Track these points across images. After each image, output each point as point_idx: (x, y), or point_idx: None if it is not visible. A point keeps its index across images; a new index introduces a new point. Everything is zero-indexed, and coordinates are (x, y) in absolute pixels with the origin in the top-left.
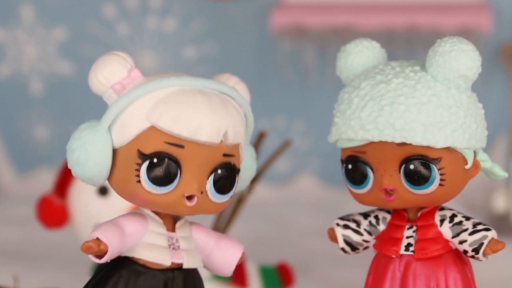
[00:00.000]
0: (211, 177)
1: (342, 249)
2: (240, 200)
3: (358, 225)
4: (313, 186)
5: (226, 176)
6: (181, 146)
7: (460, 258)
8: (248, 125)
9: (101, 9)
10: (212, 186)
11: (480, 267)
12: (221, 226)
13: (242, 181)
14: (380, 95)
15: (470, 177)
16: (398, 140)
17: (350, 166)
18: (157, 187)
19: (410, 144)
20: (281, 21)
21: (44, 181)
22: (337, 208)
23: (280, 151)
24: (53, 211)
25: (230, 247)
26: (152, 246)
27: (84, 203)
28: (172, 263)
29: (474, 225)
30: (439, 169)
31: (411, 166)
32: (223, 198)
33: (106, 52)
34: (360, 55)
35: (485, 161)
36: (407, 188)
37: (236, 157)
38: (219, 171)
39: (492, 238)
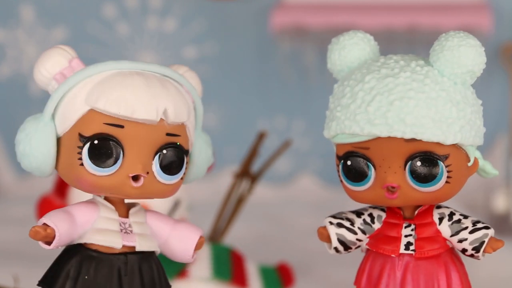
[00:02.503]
0: (157, 157)
1: (335, 248)
2: (240, 200)
3: (352, 223)
4: (313, 186)
5: (172, 156)
6: (121, 126)
7: (457, 257)
8: (198, 112)
9: (101, 9)
10: (158, 166)
11: (480, 266)
12: (221, 226)
13: (197, 168)
14: (388, 89)
15: (470, 174)
16: (408, 136)
17: (349, 163)
18: (100, 169)
19: (418, 141)
20: (281, 21)
21: (44, 181)
22: (337, 208)
23: (280, 151)
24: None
25: (187, 232)
26: (103, 230)
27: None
28: (124, 246)
29: (474, 223)
30: (446, 166)
31: (418, 163)
32: (172, 179)
33: (106, 52)
34: (356, 47)
35: (479, 158)
36: (412, 185)
37: (182, 137)
38: (165, 151)
39: (492, 237)
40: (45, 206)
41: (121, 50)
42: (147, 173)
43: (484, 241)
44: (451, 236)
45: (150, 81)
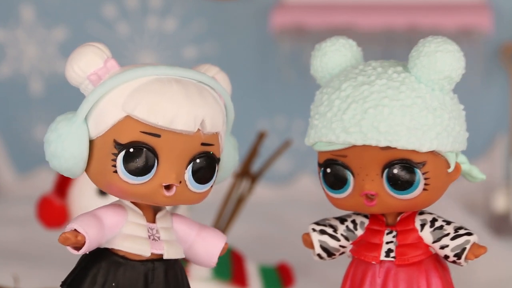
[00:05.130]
0: (190, 167)
1: (318, 255)
2: (240, 200)
3: (335, 230)
4: (313, 186)
5: (205, 166)
6: (158, 135)
7: (440, 263)
8: (228, 115)
9: (101, 9)
10: (191, 176)
11: (480, 266)
12: (222, 226)
13: (223, 172)
14: (363, 97)
15: (452, 180)
16: (382, 144)
17: (328, 170)
18: (134, 177)
19: (394, 148)
20: (281, 21)
21: (44, 181)
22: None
23: (280, 151)
24: (53, 211)
25: (212, 238)
26: (131, 237)
27: (84, 203)
28: (152, 254)
29: (456, 230)
30: (423, 173)
31: (395, 171)
32: (203, 188)
33: None
34: (337, 53)
35: (464, 163)
36: (389, 193)
37: (215, 146)
38: (198, 161)
39: (474, 243)
40: (45, 206)
41: (121, 50)
42: (180, 182)
43: (465, 248)
44: (433, 242)
45: (189, 90)
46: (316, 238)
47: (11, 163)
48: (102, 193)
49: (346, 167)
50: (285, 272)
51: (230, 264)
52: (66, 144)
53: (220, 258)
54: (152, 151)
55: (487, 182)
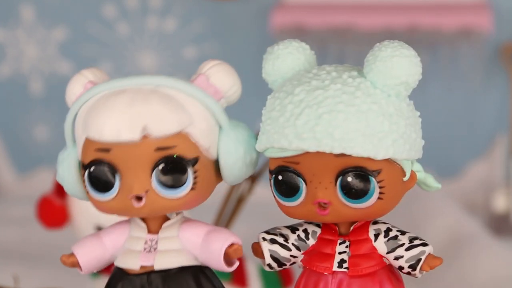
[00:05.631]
0: (154, 174)
1: (269, 265)
2: (240, 200)
3: (286, 239)
4: None
5: (170, 169)
6: (107, 150)
7: (394, 274)
8: (214, 111)
9: (101, 9)
10: (157, 182)
11: (480, 266)
12: (222, 226)
13: (229, 169)
14: (317, 102)
15: (407, 189)
16: (336, 150)
17: (280, 177)
18: (101, 194)
19: (348, 155)
20: (281, 21)
21: (44, 181)
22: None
23: None
24: (53, 211)
25: (213, 244)
26: (127, 252)
27: (84, 203)
28: (142, 267)
29: (411, 240)
30: (378, 182)
31: (349, 179)
32: (178, 193)
33: (106, 52)
34: (290, 57)
35: (419, 171)
36: (343, 201)
37: (182, 147)
38: (161, 166)
39: (429, 254)
40: (45, 206)
41: (121, 50)
42: (147, 191)
43: (420, 259)
44: (387, 253)
45: (133, 98)
46: (266, 247)
47: (11, 163)
48: None
49: (299, 175)
50: (285, 272)
51: None
52: (61, 170)
53: None
54: (110, 166)
55: (487, 182)
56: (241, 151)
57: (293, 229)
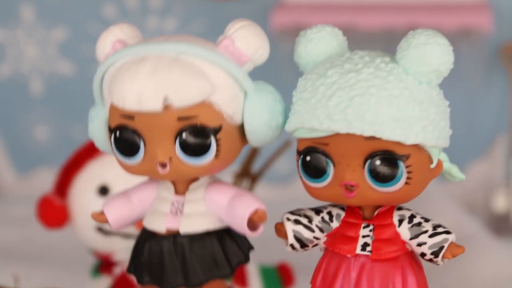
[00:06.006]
0: (177, 142)
1: (291, 245)
2: None
3: (310, 221)
4: None
5: (192, 138)
6: (131, 118)
7: (415, 261)
8: (237, 77)
9: (101, 9)
10: (181, 150)
11: (480, 266)
12: None
13: (255, 133)
14: (350, 84)
15: (433, 177)
16: (367, 133)
17: (308, 158)
18: (126, 158)
19: (378, 139)
20: (282, 21)
21: (44, 181)
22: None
23: (280, 151)
24: (53, 211)
25: (239, 208)
26: (154, 213)
27: (84, 203)
28: (168, 229)
29: (434, 227)
30: (406, 167)
31: (377, 162)
32: (202, 160)
33: None
34: (323, 41)
35: (445, 161)
36: (370, 184)
37: (204, 115)
38: (184, 135)
39: (452, 242)
40: (45, 206)
41: None
42: (170, 158)
43: (443, 246)
44: (410, 239)
45: (154, 67)
46: (290, 227)
47: (11, 163)
48: (102, 193)
49: (327, 156)
50: (285, 272)
51: None
52: (91, 127)
53: None
54: (135, 133)
55: (487, 182)
56: (266, 116)
57: (318, 211)
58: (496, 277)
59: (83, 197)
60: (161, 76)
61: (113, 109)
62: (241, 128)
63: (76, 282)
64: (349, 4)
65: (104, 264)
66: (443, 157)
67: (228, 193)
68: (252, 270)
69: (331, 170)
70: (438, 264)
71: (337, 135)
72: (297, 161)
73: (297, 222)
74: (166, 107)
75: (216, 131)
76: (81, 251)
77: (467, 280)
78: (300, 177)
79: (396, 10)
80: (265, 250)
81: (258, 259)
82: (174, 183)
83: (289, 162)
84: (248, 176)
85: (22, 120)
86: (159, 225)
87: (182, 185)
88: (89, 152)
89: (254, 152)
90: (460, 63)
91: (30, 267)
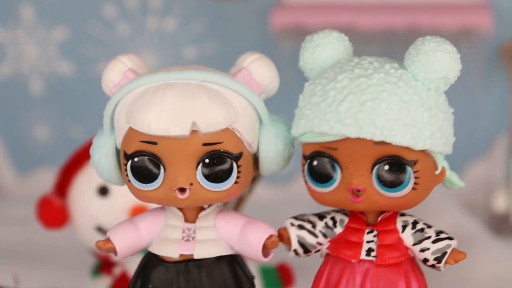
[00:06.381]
0: (200, 167)
1: (295, 250)
2: (240, 200)
3: (314, 226)
4: None
5: (215, 164)
6: (154, 143)
7: (417, 267)
8: (257, 106)
9: (101, 9)
10: (202, 176)
11: (480, 266)
12: None
13: (268, 163)
14: (361, 89)
15: (436, 183)
16: (377, 138)
17: (315, 163)
18: (144, 184)
19: (387, 144)
20: (282, 21)
21: (44, 181)
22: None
23: None
24: (53, 211)
25: (252, 235)
26: (164, 239)
27: (84, 203)
28: (181, 255)
29: (437, 233)
30: (414, 172)
31: (386, 167)
32: (222, 186)
33: (106, 52)
34: (330, 46)
35: (446, 168)
36: (378, 189)
37: (228, 143)
38: (207, 161)
39: (454, 248)
40: (45, 206)
41: (121, 50)
42: (191, 184)
43: (446, 252)
44: (414, 244)
45: (181, 93)
46: (294, 233)
47: (11, 163)
48: (101, 193)
49: (335, 160)
50: (285, 272)
51: None
52: (97, 156)
53: None
54: (156, 158)
55: (487, 182)
56: (281, 145)
57: (321, 216)
58: (496, 277)
59: (83, 197)
60: (189, 101)
61: (132, 134)
62: (255, 157)
63: (76, 282)
64: (349, 4)
65: (104, 264)
66: (445, 164)
67: (239, 220)
68: (252, 270)
69: (338, 175)
70: (440, 270)
71: (346, 139)
72: (303, 165)
73: (301, 227)
74: (193, 132)
75: (238, 157)
76: (81, 251)
77: (467, 280)
78: (306, 181)
79: (396, 10)
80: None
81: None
82: (183, 210)
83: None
84: None
85: (22, 120)
86: (172, 251)
87: (191, 213)
88: (89, 152)
89: None
90: (460, 63)
91: (30, 267)
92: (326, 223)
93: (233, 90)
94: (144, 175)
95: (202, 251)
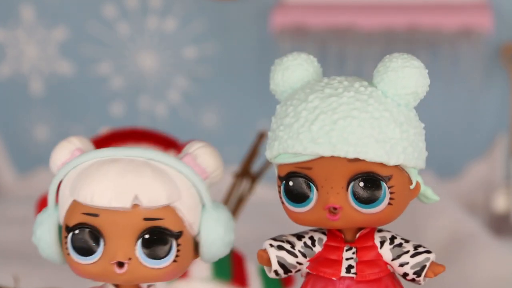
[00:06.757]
0: (139, 242)
1: (275, 271)
2: (240, 200)
3: (293, 246)
4: None
5: (154, 240)
6: (95, 215)
7: (397, 282)
8: (199, 189)
9: (101, 9)
10: (141, 252)
11: (480, 266)
12: None
13: (208, 247)
14: (332, 108)
15: (412, 198)
16: (351, 155)
17: (291, 183)
18: (83, 257)
19: (361, 161)
20: (282, 21)
21: (44, 181)
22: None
23: None
24: None
25: None
26: None
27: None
28: None
29: (415, 247)
30: (389, 187)
31: (361, 184)
32: (161, 263)
33: (106, 52)
34: (300, 68)
35: (420, 183)
36: (354, 206)
37: (168, 220)
38: (147, 236)
39: (433, 261)
40: (45, 206)
41: (121, 50)
42: (130, 259)
43: (425, 265)
44: (393, 260)
45: (126, 168)
46: (273, 253)
47: (11, 163)
48: None
49: (310, 180)
50: None
51: (231, 264)
52: (39, 232)
53: (220, 258)
54: (95, 231)
55: (487, 182)
56: (221, 231)
57: (299, 236)
58: (496, 277)
59: None
60: (132, 176)
61: (74, 206)
62: (195, 242)
63: (76, 282)
64: (349, 4)
65: None
66: (419, 179)
67: None
68: (252, 270)
69: (314, 194)
70: (420, 284)
71: (320, 158)
72: (279, 186)
73: (280, 248)
74: (134, 206)
75: (178, 236)
76: None
77: (467, 280)
78: (282, 202)
79: (396, 10)
80: None
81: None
82: None
83: None
84: (248, 176)
85: (22, 120)
86: None
87: None
88: None
89: (254, 152)
90: (460, 63)
91: (30, 267)
92: (305, 242)
93: (178, 170)
94: (84, 247)
95: None
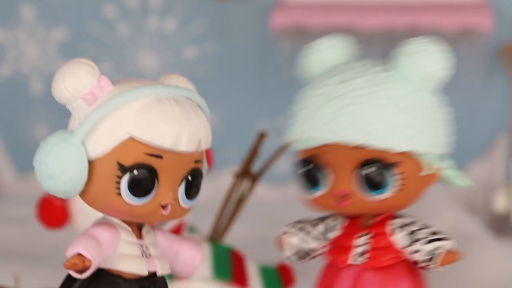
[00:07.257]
0: (183, 184)
1: (291, 256)
2: (240, 200)
3: (309, 232)
4: None
5: (195, 182)
6: (160, 157)
7: (412, 269)
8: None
9: (101, 9)
10: (183, 193)
11: (480, 266)
12: (222, 226)
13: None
14: (339, 95)
15: (428, 185)
16: (358, 142)
17: (302, 170)
18: (137, 199)
19: (368, 147)
20: (282, 21)
21: None
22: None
23: (281, 151)
24: (54, 211)
25: (189, 254)
26: (127, 256)
27: (84, 203)
28: (149, 271)
29: (429, 235)
30: (397, 174)
31: (368, 170)
32: (190, 203)
33: (106, 52)
34: (329, 51)
35: (447, 168)
36: (362, 193)
37: (202, 162)
38: (189, 178)
39: (447, 249)
40: (45, 206)
41: (121, 50)
42: (175, 200)
43: (437, 253)
44: (405, 247)
45: (186, 110)
46: (289, 240)
47: (11, 163)
48: None
49: (320, 166)
50: (285, 272)
51: (231, 264)
52: (64, 167)
53: (220, 258)
54: (154, 173)
55: (487, 182)
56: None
57: (316, 222)
58: (496, 277)
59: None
60: (196, 119)
61: (133, 144)
62: None
63: None
64: (349, 4)
65: None
66: (446, 163)
67: (174, 237)
68: (252, 270)
69: (323, 180)
70: (432, 271)
71: (328, 145)
72: (296, 173)
73: (296, 234)
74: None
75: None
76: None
77: (467, 280)
78: (299, 188)
79: (396, 10)
80: (265, 250)
81: (258, 259)
82: (130, 226)
83: (289, 162)
84: (248, 176)
85: (22, 120)
86: (141, 268)
87: (135, 228)
88: None
89: (254, 152)
90: (460, 63)
91: (30, 267)
92: (320, 229)
93: (207, 115)
94: (141, 189)
95: (163, 267)
